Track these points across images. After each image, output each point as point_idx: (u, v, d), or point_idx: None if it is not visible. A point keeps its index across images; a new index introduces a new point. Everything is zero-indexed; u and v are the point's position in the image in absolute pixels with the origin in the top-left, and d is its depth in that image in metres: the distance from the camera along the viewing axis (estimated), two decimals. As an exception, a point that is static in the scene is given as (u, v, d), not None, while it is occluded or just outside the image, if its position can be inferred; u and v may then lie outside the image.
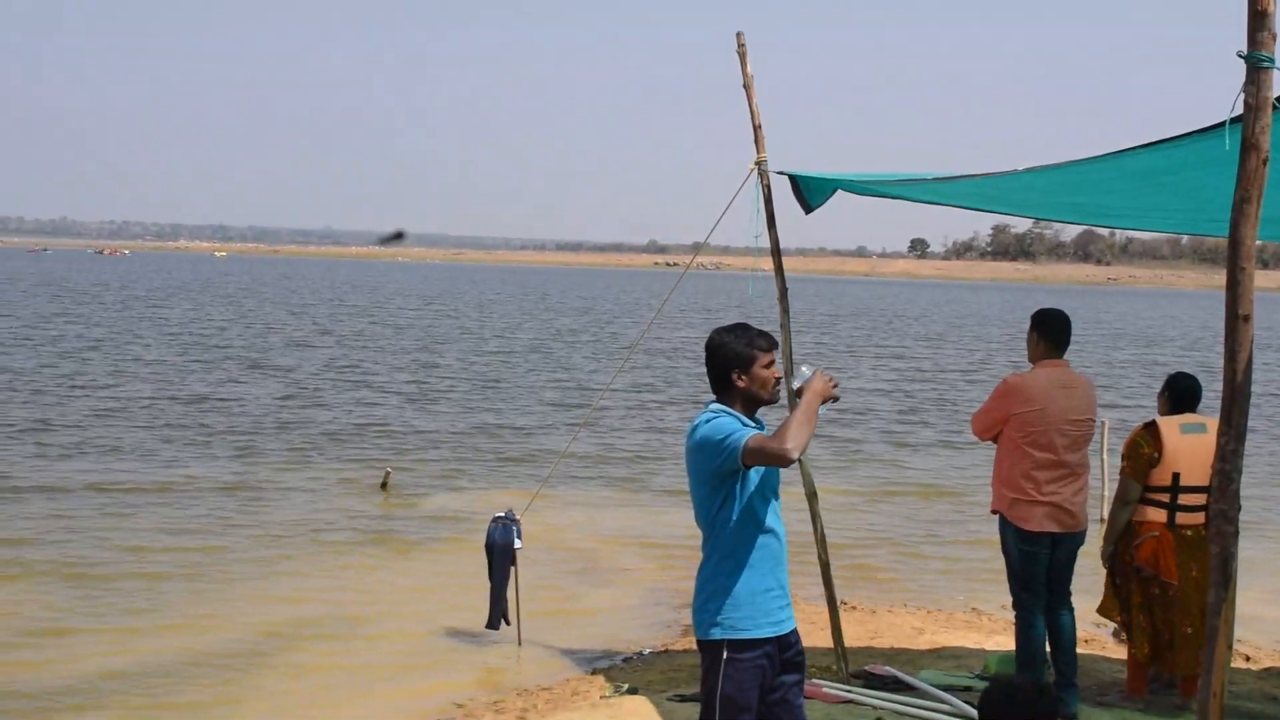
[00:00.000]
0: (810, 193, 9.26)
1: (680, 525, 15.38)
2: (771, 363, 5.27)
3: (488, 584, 10.47)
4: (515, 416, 24.86)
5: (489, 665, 10.27)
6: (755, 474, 5.11)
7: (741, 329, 5.29)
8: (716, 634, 5.08)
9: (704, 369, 5.38)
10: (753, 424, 5.16)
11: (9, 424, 21.23)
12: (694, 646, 10.17)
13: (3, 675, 9.59)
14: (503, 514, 10.61)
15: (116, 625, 10.94)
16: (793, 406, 5.19)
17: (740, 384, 5.21)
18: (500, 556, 10.38)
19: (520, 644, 10.58)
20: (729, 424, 5.07)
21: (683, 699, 8.36)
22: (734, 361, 5.22)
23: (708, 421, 5.11)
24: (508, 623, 10.49)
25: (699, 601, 5.17)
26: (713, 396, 5.29)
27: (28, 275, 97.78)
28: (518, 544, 10.42)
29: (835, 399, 5.22)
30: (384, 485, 17.27)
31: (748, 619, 5.07)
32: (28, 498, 15.60)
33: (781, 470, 5.20)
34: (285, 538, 14.32)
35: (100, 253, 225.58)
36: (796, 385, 5.20)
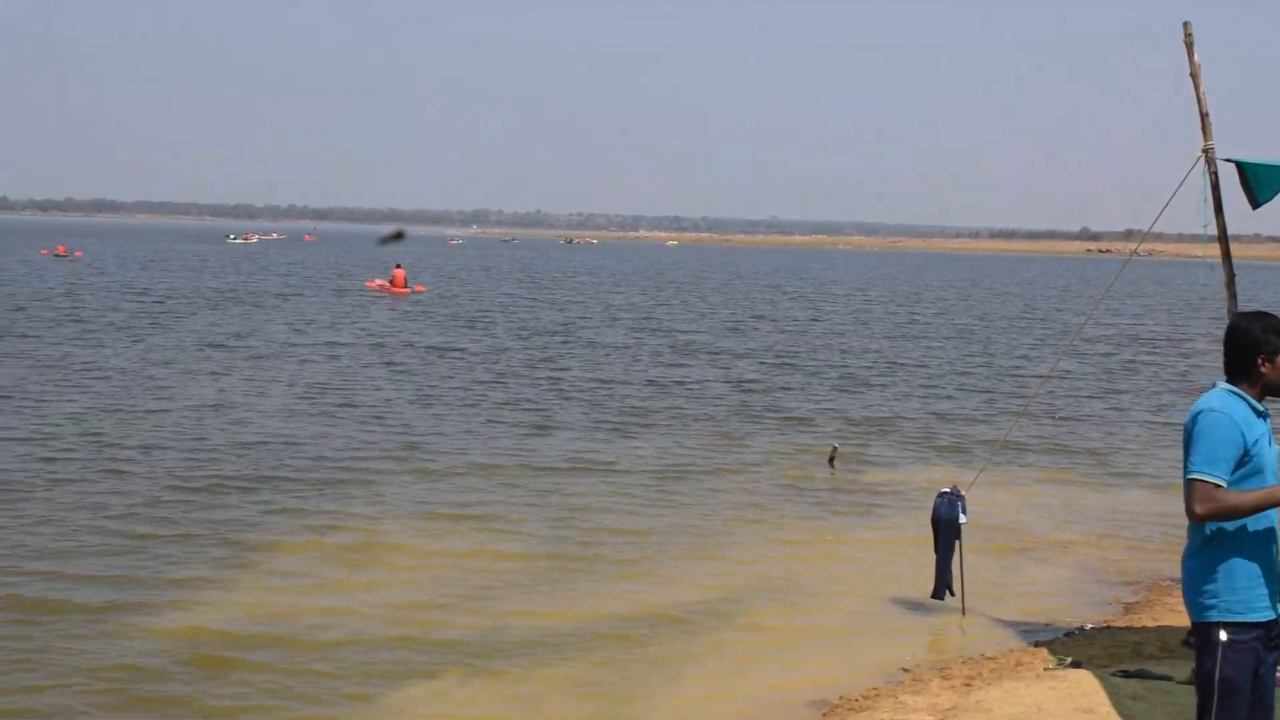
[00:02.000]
0: (1259, 185, 8.87)
1: (1115, 507, 14.97)
2: None
3: (933, 555, 10.49)
4: (948, 402, 24.60)
5: (934, 633, 10.30)
6: (1256, 459, 4.96)
7: (1269, 316, 5.15)
8: (1212, 616, 4.97)
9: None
10: (1260, 410, 5.06)
11: (478, 405, 22.58)
12: (1136, 624, 9.98)
13: (495, 626, 10.30)
14: (948, 489, 10.60)
15: (586, 588, 11.43)
16: None
17: (1263, 369, 5.08)
18: (945, 529, 10.38)
19: (964, 614, 10.55)
20: (1224, 435, 4.94)
21: (1126, 675, 8.17)
22: (1260, 347, 5.09)
23: (1211, 412, 4.99)
24: (952, 593, 10.49)
25: (1192, 585, 5.05)
26: (1223, 378, 5.17)
27: (502, 262, 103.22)
28: (962, 518, 10.40)
29: None
30: (831, 461, 17.42)
31: (1243, 603, 4.94)
32: (486, 473, 16.38)
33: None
34: (738, 509, 14.69)
35: (569, 242, 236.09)
36: None
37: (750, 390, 25.21)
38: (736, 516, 14.28)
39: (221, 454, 16.74)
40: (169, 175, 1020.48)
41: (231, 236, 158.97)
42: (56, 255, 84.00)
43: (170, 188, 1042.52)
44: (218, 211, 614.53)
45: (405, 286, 53.49)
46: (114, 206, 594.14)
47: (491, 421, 20.41)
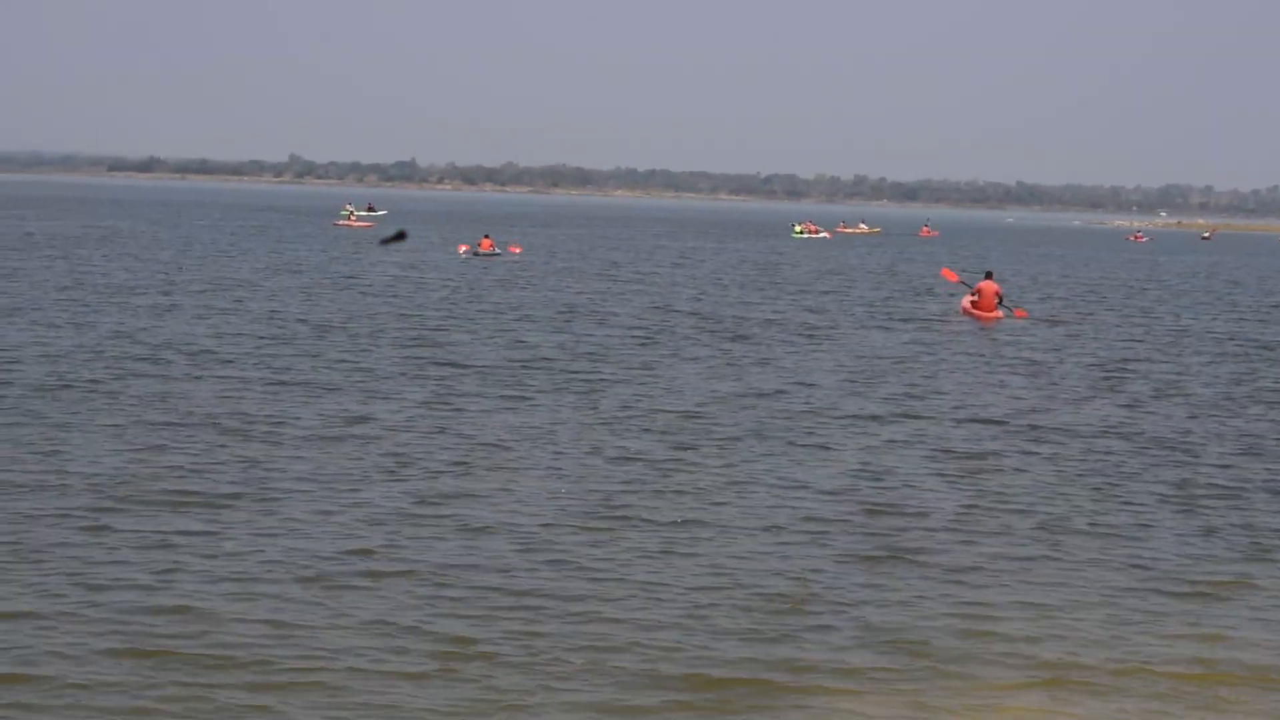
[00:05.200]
0: None
1: None
2: None
3: None
4: None
5: None
6: None
7: None
8: None
9: None
10: None
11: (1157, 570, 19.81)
12: None
13: None
14: None
15: None
16: None
17: None
18: None
19: None
20: None
21: None
22: None
23: None
24: None
25: None
26: None
27: (1200, 270, 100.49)
28: None
29: None
30: None
31: None
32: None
33: None
34: None
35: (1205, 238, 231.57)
36: None
37: None
38: None
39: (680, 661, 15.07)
40: (663, 139, 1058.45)
41: (797, 228, 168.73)
42: (478, 253, 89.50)
43: (658, 151, 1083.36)
44: (742, 186, 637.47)
45: (996, 308, 54.07)
46: (582, 178, 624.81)
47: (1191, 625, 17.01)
